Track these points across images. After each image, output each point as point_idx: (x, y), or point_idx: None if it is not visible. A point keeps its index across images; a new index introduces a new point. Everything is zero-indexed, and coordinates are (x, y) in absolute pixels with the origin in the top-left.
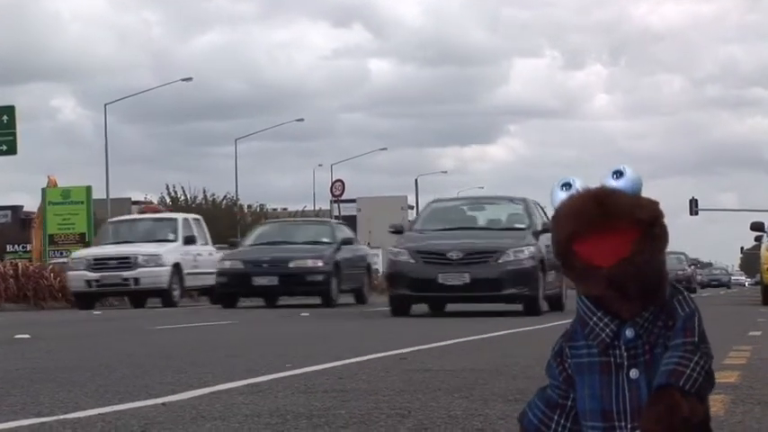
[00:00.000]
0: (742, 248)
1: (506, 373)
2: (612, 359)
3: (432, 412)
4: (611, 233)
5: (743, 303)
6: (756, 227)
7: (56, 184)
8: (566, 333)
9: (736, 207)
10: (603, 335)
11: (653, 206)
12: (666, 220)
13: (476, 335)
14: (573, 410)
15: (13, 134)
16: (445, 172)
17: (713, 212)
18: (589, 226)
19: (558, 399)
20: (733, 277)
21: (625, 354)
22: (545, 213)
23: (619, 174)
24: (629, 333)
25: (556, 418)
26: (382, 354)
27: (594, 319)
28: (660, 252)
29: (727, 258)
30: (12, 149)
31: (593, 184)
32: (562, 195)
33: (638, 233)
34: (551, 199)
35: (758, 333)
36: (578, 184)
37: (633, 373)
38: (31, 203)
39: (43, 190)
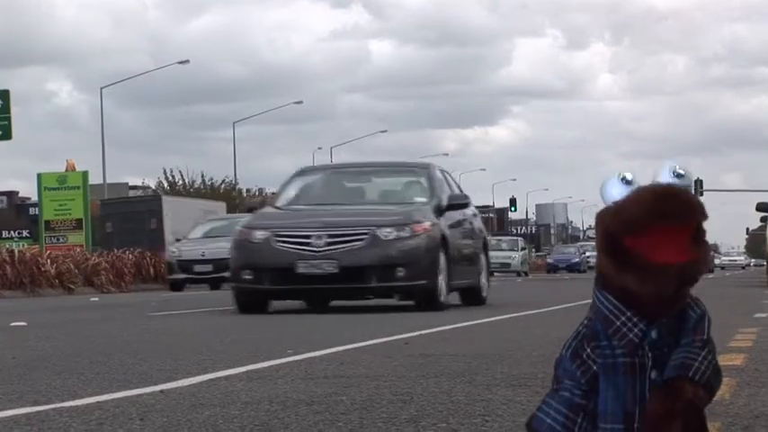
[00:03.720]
0: (748, 229)
1: (509, 358)
2: (638, 360)
3: (434, 398)
4: (674, 230)
5: (747, 285)
6: (762, 207)
7: (74, 168)
8: (580, 333)
9: (741, 187)
10: (632, 335)
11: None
12: None
13: (477, 320)
14: (593, 412)
15: (8, 119)
16: (447, 154)
17: (718, 193)
18: (659, 218)
19: (579, 400)
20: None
21: (649, 354)
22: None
23: (680, 175)
24: (654, 334)
25: (579, 420)
26: (384, 339)
27: (623, 318)
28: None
29: (734, 240)
30: (6, 134)
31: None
32: (620, 189)
33: (692, 232)
34: (603, 194)
35: (764, 315)
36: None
37: (654, 375)
38: (26, 189)
39: (39, 175)
